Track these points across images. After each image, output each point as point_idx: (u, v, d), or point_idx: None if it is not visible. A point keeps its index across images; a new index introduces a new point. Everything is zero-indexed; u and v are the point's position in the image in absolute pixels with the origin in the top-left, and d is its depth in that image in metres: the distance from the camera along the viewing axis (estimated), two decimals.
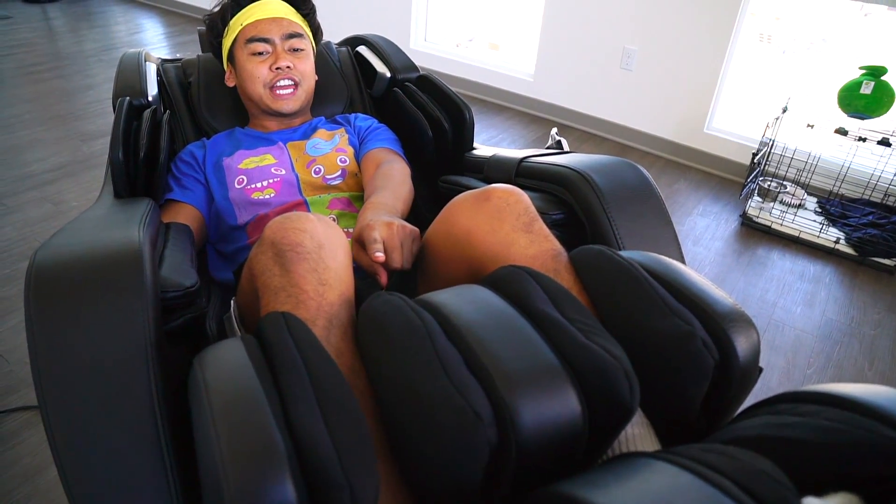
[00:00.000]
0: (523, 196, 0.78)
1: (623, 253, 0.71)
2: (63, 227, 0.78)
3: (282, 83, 1.28)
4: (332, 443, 0.47)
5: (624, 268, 0.66)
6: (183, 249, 0.86)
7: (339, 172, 1.26)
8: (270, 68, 1.27)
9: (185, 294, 0.73)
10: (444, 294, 0.61)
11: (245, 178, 1.23)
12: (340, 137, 1.33)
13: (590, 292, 0.70)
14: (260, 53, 1.28)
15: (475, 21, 4.54)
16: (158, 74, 1.41)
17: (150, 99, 1.24)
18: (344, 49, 1.65)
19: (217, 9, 1.35)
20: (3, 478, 1.38)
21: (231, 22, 1.31)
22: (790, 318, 2.09)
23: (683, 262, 0.82)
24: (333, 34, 4.27)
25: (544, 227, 0.77)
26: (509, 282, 0.63)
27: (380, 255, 0.82)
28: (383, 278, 0.84)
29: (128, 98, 1.16)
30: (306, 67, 1.32)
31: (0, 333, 1.76)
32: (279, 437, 0.46)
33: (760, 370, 0.64)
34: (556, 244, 0.77)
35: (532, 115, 3.54)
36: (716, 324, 0.59)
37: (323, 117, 1.42)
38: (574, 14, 3.19)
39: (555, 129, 1.30)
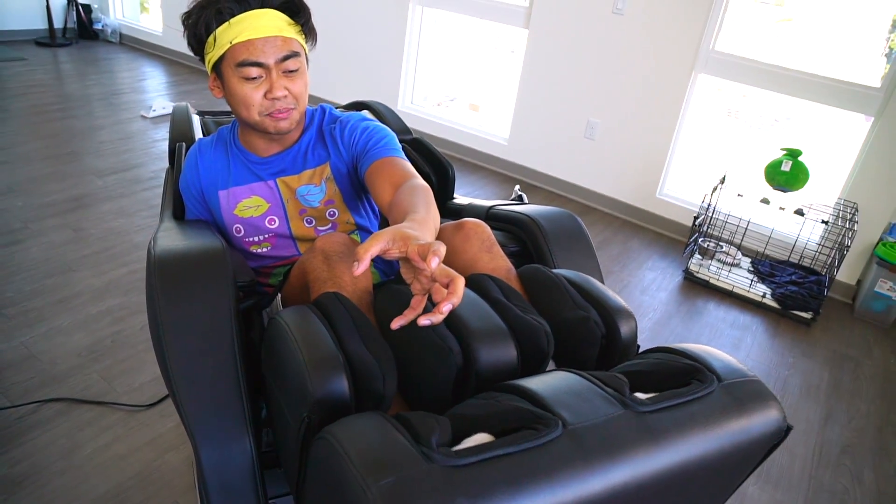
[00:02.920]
0: (486, 227, 1.10)
1: (555, 270, 1.03)
2: (157, 235, 1.09)
3: (279, 111, 1.19)
4: (371, 356, 0.78)
5: (550, 278, 0.99)
6: (239, 254, 1.17)
7: (328, 226, 1.30)
8: (266, 96, 1.16)
9: (249, 283, 1.04)
10: None
11: (242, 229, 1.28)
12: (327, 183, 1.28)
13: (528, 293, 1.02)
14: (253, 78, 1.15)
15: (457, 82, 4.96)
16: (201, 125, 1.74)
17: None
18: None
19: (197, 9, 1.17)
20: (42, 454, 1.62)
21: (217, 33, 1.14)
22: None
23: (602, 280, 1.14)
24: (335, 94, 4.62)
25: (500, 250, 1.09)
26: (476, 282, 0.95)
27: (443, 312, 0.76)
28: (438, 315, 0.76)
29: (183, 143, 1.48)
30: (301, 88, 1.20)
31: (32, 338, 2.01)
32: (337, 353, 0.76)
33: (638, 347, 0.96)
34: (508, 263, 1.08)
35: (505, 176, 3.92)
36: (607, 313, 0.91)
37: (315, 128, 1.31)
38: (545, 88, 3.62)
39: (517, 186, 1.64)
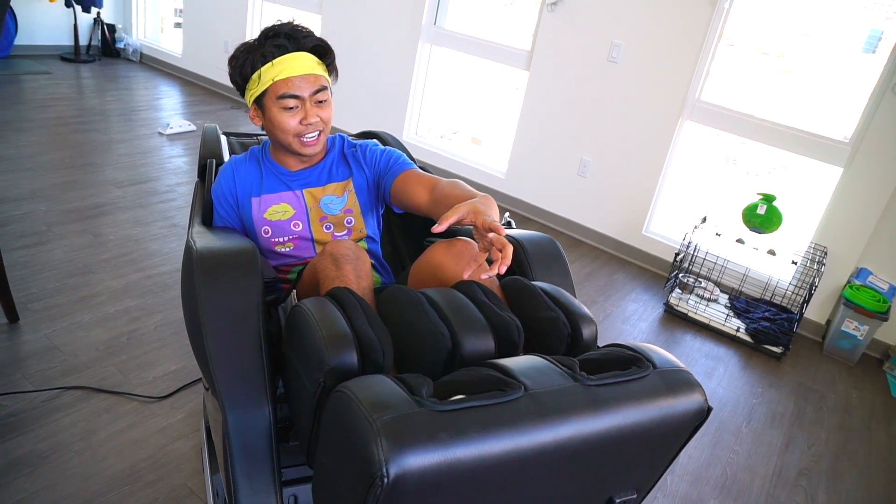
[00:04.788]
0: (474, 244, 1.28)
1: (533, 282, 1.22)
2: (193, 237, 1.27)
3: (310, 135, 1.42)
4: (374, 335, 0.96)
5: (527, 286, 1.17)
6: (263, 257, 1.35)
7: (345, 232, 1.51)
8: (301, 122, 1.38)
9: (272, 280, 1.22)
10: (429, 290, 1.11)
11: (269, 230, 1.48)
12: (349, 195, 1.51)
13: (508, 299, 1.20)
14: (291, 108, 1.38)
15: (461, 116, 5.17)
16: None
17: (225, 161, 1.75)
18: None
19: (244, 53, 1.40)
20: (64, 434, 1.77)
21: (261, 71, 1.37)
22: None
23: (574, 293, 1.33)
24: (346, 124, 4.82)
25: (485, 263, 1.27)
26: (464, 286, 1.13)
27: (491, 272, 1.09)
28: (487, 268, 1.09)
29: (213, 160, 1.67)
30: (328, 115, 1.44)
31: (55, 332, 2.17)
32: (349, 331, 0.94)
33: (598, 348, 1.13)
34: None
35: (502, 208, 4.12)
36: (574, 317, 1.09)
37: (337, 151, 1.55)
38: (543, 126, 3.84)
39: (507, 213, 1.83)
